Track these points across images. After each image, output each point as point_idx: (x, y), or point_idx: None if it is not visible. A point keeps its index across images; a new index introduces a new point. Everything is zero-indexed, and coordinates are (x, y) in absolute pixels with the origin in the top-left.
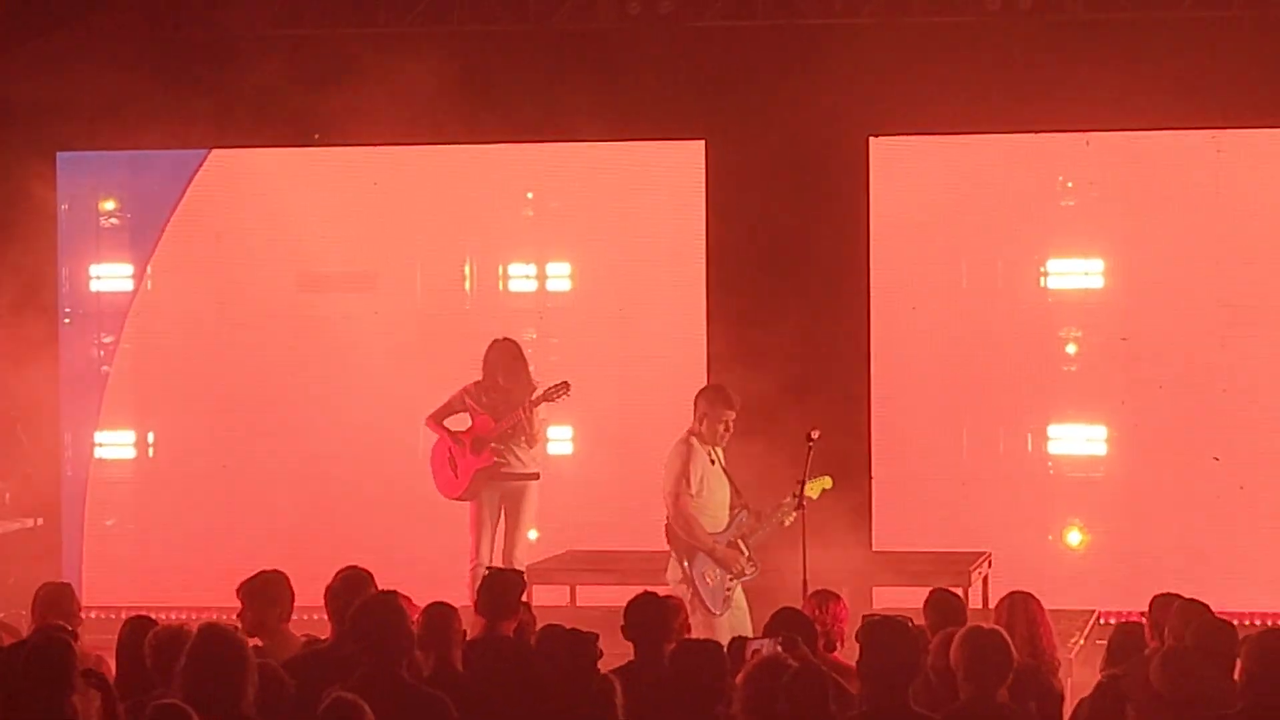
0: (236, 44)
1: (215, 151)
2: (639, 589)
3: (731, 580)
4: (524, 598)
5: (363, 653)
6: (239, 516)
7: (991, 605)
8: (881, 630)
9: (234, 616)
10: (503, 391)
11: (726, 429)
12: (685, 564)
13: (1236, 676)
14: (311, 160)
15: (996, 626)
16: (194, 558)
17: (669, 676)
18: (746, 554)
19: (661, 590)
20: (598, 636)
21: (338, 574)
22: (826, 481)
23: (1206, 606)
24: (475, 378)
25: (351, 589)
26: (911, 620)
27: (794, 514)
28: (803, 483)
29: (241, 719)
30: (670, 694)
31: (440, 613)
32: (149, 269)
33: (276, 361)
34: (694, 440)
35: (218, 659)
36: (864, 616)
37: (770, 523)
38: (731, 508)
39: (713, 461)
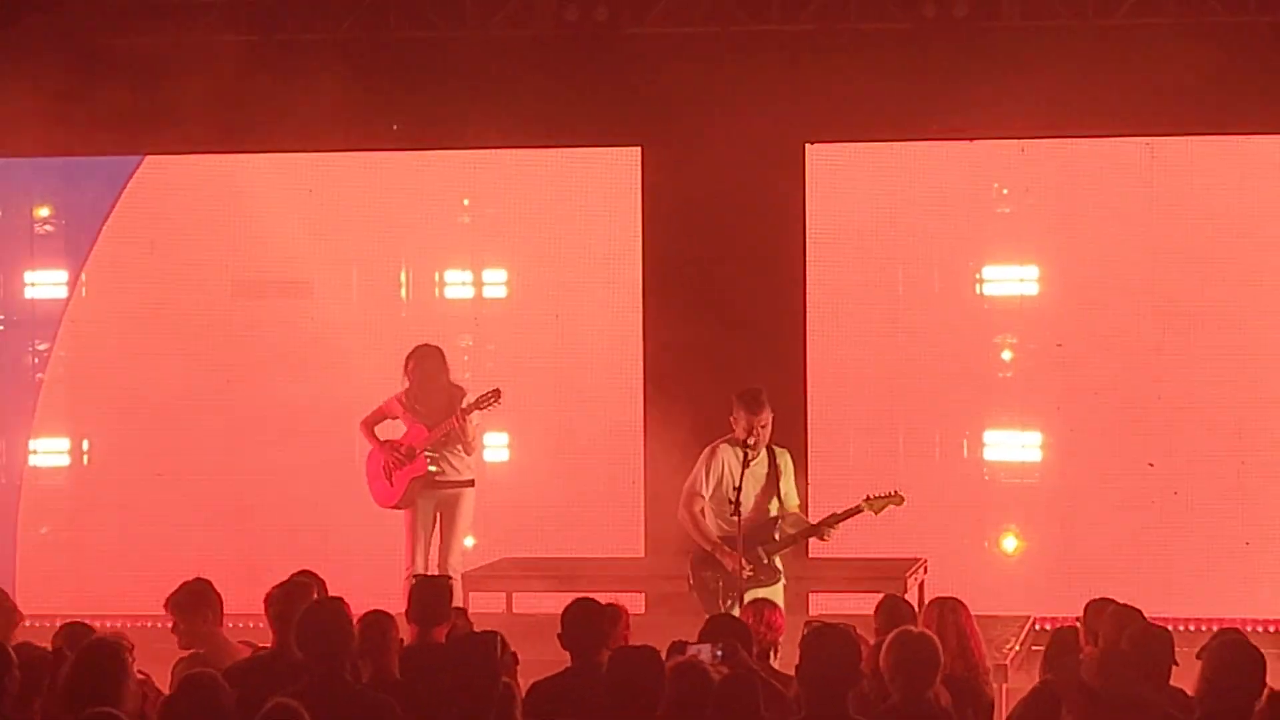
0: (171, 49)
1: (149, 158)
2: (576, 595)
3: (744, 584)
4: (455, 602)
5: (310, 659)
6: (174, 524)
7: None
8: (823, 638)
9: (169, 629)
10: (428, 399)
11: (755, 434)
12: (689, 564)
13: (1194, 681)
14: (246, 167)
15: (924, 629)
16: (129, 565)
17: (605, 683)
18: (766, 560)
19: (600, 597)
20: (499, 635)
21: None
22: (897, 500)
23: (1140, 612)
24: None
25: (292, 596)
26: (854, 628)
27: (835, 529)
28: (869, 499)
29: None
30: (607, 701)
31: (377, 620)
32: (83, 275)
33: (212, 368)
34: (724, 444)
35: (96, 671)
36: (806, 623)
37: (810, 534)
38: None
39: (745, 465)
